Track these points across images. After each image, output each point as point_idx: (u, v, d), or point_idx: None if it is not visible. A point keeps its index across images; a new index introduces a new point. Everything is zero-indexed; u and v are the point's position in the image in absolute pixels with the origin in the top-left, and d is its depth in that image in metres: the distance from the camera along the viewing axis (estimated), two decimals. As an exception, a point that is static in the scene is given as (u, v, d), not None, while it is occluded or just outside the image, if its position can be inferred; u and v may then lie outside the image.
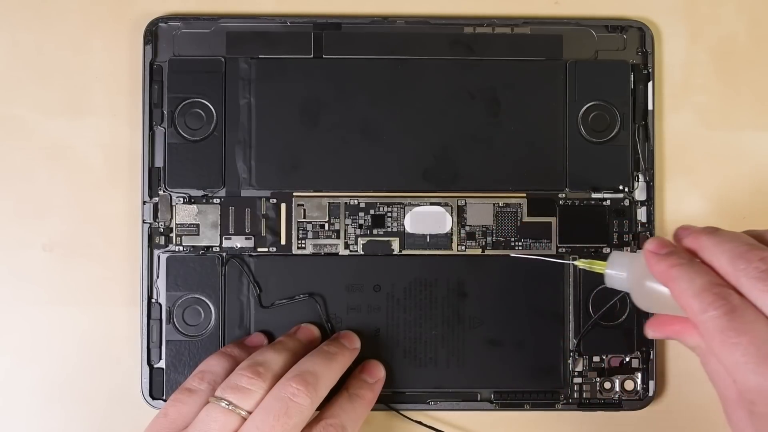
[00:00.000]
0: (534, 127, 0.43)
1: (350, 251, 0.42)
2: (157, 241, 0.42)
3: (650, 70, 0.43)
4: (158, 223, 0.42)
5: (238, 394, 0.35)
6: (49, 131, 0.43)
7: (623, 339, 0.42)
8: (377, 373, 0.41)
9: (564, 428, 0.43)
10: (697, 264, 0.31)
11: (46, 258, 0.43)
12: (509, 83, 0.43)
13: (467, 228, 0.43)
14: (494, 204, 0.43)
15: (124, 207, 0.43)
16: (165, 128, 0.42)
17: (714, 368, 0.32)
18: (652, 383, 0.42)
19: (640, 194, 0.43)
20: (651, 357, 0.42)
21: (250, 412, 0.35)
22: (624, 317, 0.42)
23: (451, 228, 0.43)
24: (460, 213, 0.43)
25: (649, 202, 0.43)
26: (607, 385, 0.43)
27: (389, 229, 0.43)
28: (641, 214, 0.43)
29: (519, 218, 0.43)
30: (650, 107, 0.43)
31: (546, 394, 0.42)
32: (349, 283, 0.42)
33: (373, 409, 0.40)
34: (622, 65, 0.43)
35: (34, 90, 0.43)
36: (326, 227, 0.43)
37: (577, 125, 0.43)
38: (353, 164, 0.42)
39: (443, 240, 0.43)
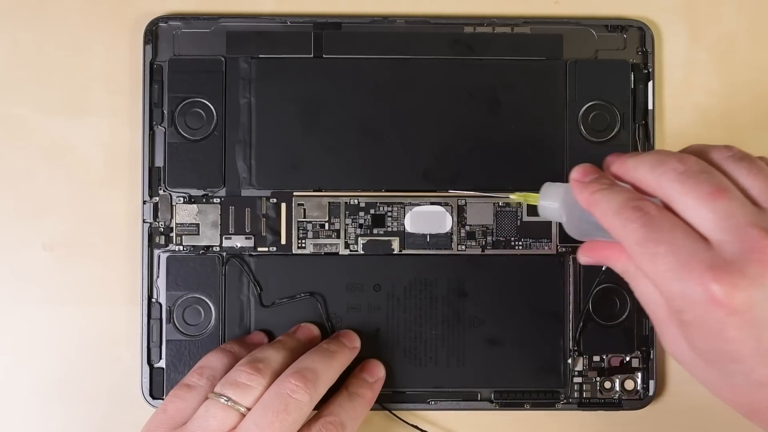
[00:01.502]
0: (534, 126, 0.43)
1: (350, 251, 0.42)
2: (157, 241, 0.42)
3: (650, 70, 0.43)
4: (158, 222, 0.42)
5: (237, 390, 0.35)
6: (49, 131, 0.43)
7: (623, 339, 0.42)
8: (377, 372, 0.41)
9: (564, 428, 0.43)
10: (618, 185, 0.31)
11: (46, 257, 0.43)
12: (509, 83, 0.43)
13: (467, 228, 0.43)
14: (494, 204, 0.43)
15: (124, 207, 0.43)
16: (165, 128, 0.42)
17: (643, 290, 0.31)
18: (652, 383, 0.42)
19: (640, 194, 0.43)
20: (651, 356, 0.42)
21: (249, 408, 0.35)
22: (624, 317, 0.42)
23: (451, 228, 0.43)
24: (460, 213, 0.43)
25: (649, 201, 0.43)
26: (608, 384, 0.43)
27: (389, 229, 0.43)
28: (641, 213, 0.43)
29: (519, 218, 0.43)
30: (650, 107, 0.43)
31: (546, 394, 0.42)
32: (349, 283, 0.42)
33: (372, 409, 0.40)
34: (622, 65, 0.43)
35: (34, 90, 0.43)
36: (326, 227, 0.43)
37: (577, 125, 0.43)
38: (353, 164, 0.42)
39: (443, 240, 0.43)
